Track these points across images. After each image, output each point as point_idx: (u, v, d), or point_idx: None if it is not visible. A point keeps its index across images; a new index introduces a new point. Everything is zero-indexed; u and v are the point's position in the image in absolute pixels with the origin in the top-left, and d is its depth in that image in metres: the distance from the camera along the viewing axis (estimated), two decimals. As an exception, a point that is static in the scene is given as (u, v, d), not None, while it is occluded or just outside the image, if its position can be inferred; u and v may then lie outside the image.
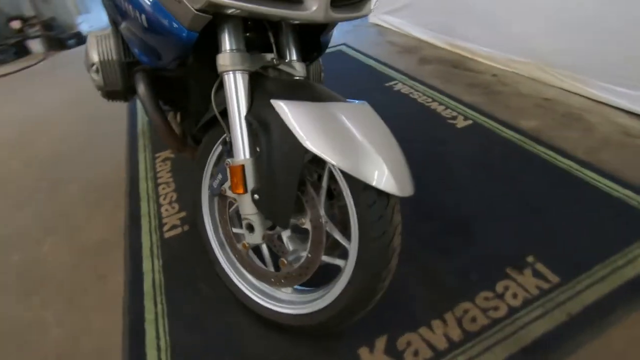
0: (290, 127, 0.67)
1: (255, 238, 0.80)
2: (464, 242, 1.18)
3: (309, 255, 0.82)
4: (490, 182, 1.40)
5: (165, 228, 1.32)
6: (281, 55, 0.89)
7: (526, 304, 0.98)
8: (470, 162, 1.51)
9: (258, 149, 0.75)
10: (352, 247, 0.75)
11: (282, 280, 0.88)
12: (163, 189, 1.51)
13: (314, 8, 0.64)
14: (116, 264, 1.21)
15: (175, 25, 0.73)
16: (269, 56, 0.85)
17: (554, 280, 1.03)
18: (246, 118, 0.74)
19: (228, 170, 0.78)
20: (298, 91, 0.78)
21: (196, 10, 0.66)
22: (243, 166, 0.75)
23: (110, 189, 1.55)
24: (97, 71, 1.03)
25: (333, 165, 0.72)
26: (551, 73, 1.95)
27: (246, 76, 0.76)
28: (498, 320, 0.95)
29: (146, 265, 1.18)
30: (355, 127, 0.71)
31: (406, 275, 1.07)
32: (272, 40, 0.86)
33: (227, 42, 0.74)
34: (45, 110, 2.27)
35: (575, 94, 1.88)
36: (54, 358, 0.97)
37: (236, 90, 0.75)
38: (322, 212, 0.78)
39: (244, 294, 0.96)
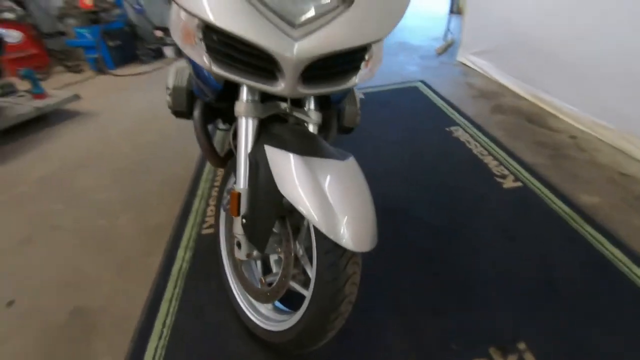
0: (272, 172, 0.81)
1: (241, 255, 0.96)
2: (461, 305, 1.16)
3: (282, 280, 0.94)
4: (514, 251, 1.33)
5: (205, 225, 1.57)
6: (299, 103, 1.02)
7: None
8: (501, 226, 1.44)
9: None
10: (311, 284, 0.85)
11: (260, 296, 1.01)
12: (215, 191, 1.78)
13: (282, 86, 0.76)
14: (161, 246, 1.49)
15: (207, 75, 0.93)
16: (283, 105, 0.98)
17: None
18: (248, 155, 0.90)
19: (229, 195, 0.95)
20: (294, 142, 0.90)
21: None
22: (239, 194, 0.91)
23: (178, 183, 1.87)
24: (170, 94, 1.30)
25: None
26: (637, 145, 1.71)
27: (256, 121, 0.92)
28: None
29: (180, 253, 1.43)
30: (330, 183, 0.80)
31: (391, 324, 1.10)
32: None
33: (243, 93, 0.91)
34: (158, 107, 2.81)
35: (665, 174, 1.62)
36: (95, 307, 1.26)
37: (245, 132, 0.91)
38: (292, 245, 0.89)
39: (235, 297, 1.12)
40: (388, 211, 1.57)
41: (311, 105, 1.02)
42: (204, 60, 0.75)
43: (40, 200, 1.85)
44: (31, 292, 1.34)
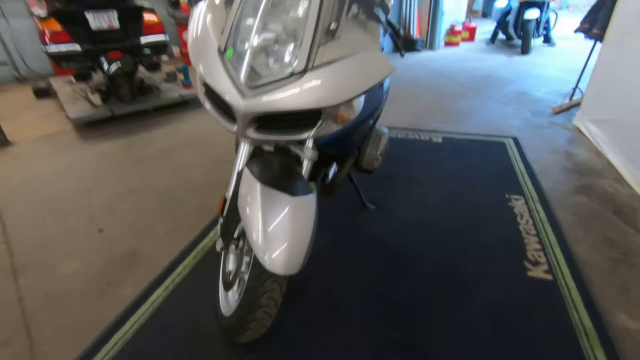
0: (240, 191, 1.03)
1: (217, 246, 1.21)
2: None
3: (235, 275, 1.16)
4: (495, 350, 1.23)
5: (240, 218, 1.89)
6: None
7: None
8: (495, 317, 1.33)
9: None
10: (243, 287, 1.05)
11: (224, 284, 1.25)
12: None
13: (235, 128, 0.94)
14: (203, 225, 1.87)
15: None
16: (284, 138, 1.10)
17: None
18: (238, 172, 1.14)
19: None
20: (265, 172, 1.04)
21: None
22: (225, 199, 1.17)
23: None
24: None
25: None
26: None
27: (251, 147, 1.15)
28: None
29: (210, 234, 1.78)
30: (278, 214, 0.95)
31: None
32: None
33: None
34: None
35: None
36: (143, 252, 1.70)
37: (241, 153, 1.15)
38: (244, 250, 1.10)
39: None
40: (390, 261, 1.62)
41: (309, 143, 1.19)
42: (201, 98, 1.03)
43: (153, 164, 2.49)
44: (115, 228, 1.88)
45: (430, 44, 6.00)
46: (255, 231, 0.94)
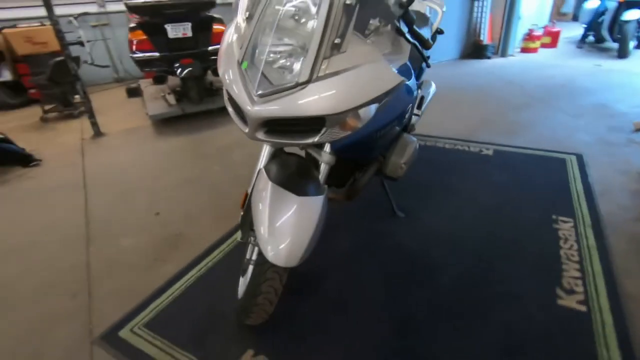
0: (255, 189, 1.15)
1: (238, 236, 1.34)
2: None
3: (246, 263, 1.28)
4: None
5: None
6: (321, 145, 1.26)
7: None
8: (527, 346, 1.26)
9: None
10: (249, 274, 1.16)
11: (242, 270, 1.38)
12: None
13: (247, 130, 1.03)
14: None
15: None
16: (290, 141, 1.10)
17: None
18: (259, 170, 1.26)
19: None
20: (278, 173, 1.14)
21: None
22: (247, 194, 1.30)
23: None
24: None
25: None
26: None
27: (272, 149, 1.26)
28: None
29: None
30: (285, 212, 1.05)
31: None
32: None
33: None
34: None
35: None
36: (188, 236, 1.92)
37: (263, 153, 1.27)
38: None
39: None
40: (409, 270, 1.61)
41: (327, 148, 1.27)
42: (225, 103, 1.17)
43: (210, 160, 2.77)
44: (169, 212, 2.15)
45: (502, 51, 5.62)
46: (262, 225, 1.05)
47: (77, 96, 3.95)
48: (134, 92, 4.55)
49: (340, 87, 0.96)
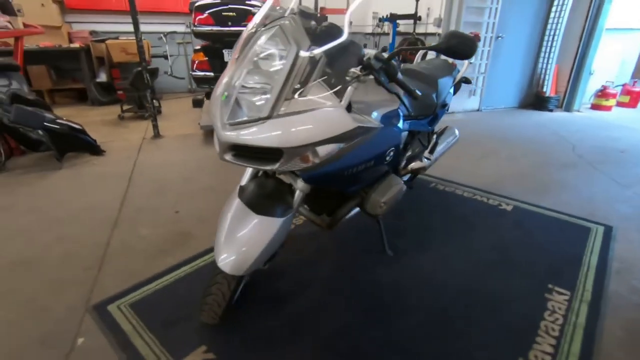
0: (225, 203, 1.31)
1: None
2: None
3: None
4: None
5: (273, 230, 2.17)
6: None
7: None
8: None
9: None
10: None
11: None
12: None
13: (218, 150, 1.19)
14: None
15: None
16: (253, 166, 1.25)
17: None
18: (238, 186, 1.42)
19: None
20: (246, 193, 1.31)
21: None
22: (229, 206, 1.47)
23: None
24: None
25: None
26: None
27: (253, 171, 1.42)
28: None
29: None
30: (244, 229, 1.20)
31: None
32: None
33: None
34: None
35: None
36: (196, 235, 2.14)
37: (245, 174, 1.44)
38: None
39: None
40: (372, 308, 1.63)
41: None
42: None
43: (233, 170, 2.99)
44: (187, 212, 2.41)
45: (567, 105, 5.30)
46: (221, 234, 1.21)
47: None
48: (197, 103, 5.11)
49: (294, 125, 1.10)
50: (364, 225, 2.15)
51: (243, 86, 1.15)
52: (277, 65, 1.11)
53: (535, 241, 2.10)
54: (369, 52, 1.27)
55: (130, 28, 3.46)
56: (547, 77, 5.27)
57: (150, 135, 3.95)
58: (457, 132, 2.53)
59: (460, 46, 1.28)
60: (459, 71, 2.39)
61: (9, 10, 4.00)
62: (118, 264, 1.90)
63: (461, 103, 5.29)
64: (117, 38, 5.48)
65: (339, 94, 1.17)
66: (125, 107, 4.76)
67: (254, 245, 1.18)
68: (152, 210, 2.43)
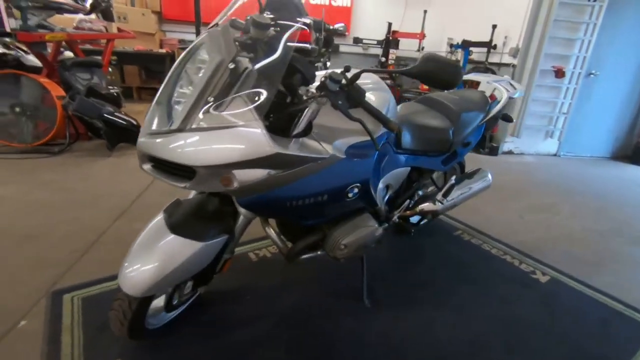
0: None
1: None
2: None
3: None
4: None
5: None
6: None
7: None
8: None
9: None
10: None
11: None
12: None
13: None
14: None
15: None
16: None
17: None
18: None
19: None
20: (171, 211, 1.21)
21: None
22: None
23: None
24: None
25: None
26: None
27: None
28: None
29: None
30: (154, 247, 1.10)
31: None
32: None
33: None
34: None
35: None
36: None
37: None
38: None
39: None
40: None
41: None
42: None
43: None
44: (186, 215, 2.42)
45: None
46: (132, 254, 1.13)
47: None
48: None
49: (208, 142, 0.98)
50: (354, 265, 1.91)
51: (177, 94, 1.07)
52: (200, 74, 1.02)
53: (565, 330, 1.63)
54: (329, 71, 1.10)
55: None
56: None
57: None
58: (490, 176, 2.15)
59: (438, 73, 1.05)
60: (496, 104, 2.04)
61: (109, 17, 4.63)
62: (102, 254, 1.95)
63: (533, 145, 4.62)
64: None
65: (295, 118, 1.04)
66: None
67: (159, 267, 1.08)
68: (159, 207, 2.50)
